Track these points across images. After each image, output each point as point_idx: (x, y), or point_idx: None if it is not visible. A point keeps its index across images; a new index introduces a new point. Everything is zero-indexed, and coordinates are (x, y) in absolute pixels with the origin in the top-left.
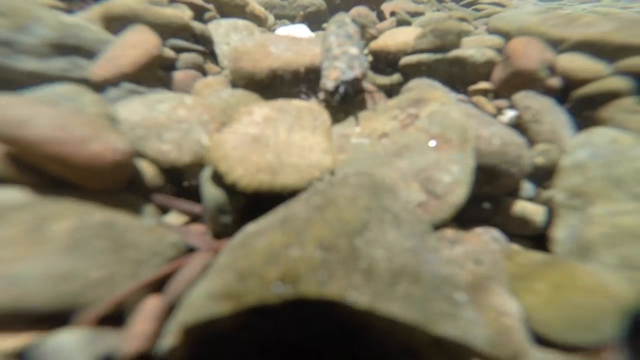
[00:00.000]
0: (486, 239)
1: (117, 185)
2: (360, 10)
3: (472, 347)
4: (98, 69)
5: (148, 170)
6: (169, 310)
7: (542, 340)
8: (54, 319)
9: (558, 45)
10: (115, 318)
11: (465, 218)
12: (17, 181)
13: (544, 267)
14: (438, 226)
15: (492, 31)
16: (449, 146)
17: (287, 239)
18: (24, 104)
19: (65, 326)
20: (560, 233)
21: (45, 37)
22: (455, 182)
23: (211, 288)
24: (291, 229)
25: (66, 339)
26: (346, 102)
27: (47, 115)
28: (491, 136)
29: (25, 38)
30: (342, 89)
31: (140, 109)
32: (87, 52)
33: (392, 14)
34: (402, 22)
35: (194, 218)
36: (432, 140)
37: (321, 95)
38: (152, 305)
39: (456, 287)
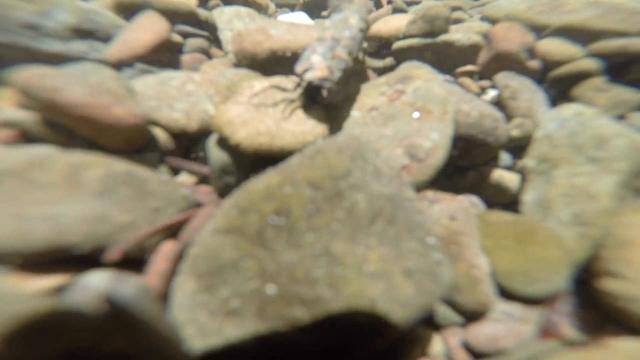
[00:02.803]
0: (464, 202)
1: (135, 146)
2: None
3: None
4: (113, 51)
5: (161, 136)
6: (182, 253)
7: (505, 293)
8: (87, 260)
9: (543, 30)
10: (137, 264)
11: (448, 187)
12: (52, 141)
13: (511, 225)
14: (420, 187)
15: (485, 19)
16: (431, 116)
17: (282, 180)
18: (59, 74)
19: (95, 267)
20: (528, 195)
21: (66, 21)
22: (435, 146)
23: (217, 225)
24: (285, 171)
25: (95, 278)
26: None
27: (80, 84)
28: (470, 110)
29: (49, 22)
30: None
31: (153, 84)
32: (103, 36)
33: (389, 2)
34: (398, 10)
35: (202, 180)
36: (415, 112)
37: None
38: (168, 248)
39: (428, 232)
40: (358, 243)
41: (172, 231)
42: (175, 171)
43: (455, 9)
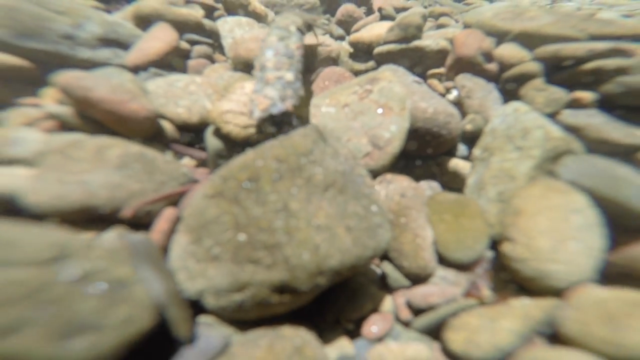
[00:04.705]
0: (423, 185)
1: (147, 134)
2: (348, 8)
3: None
4: (132, 57)
5: (167, 127)
6: (180, 217)
7: (443, 260)
8: (107, 221)
9: (505, 36)
10: (145, 227)
11: (412, 174)
12: (83, 130)
13: (452, 202)
14: (380, 170)
15: (465, 25)
16: (391, 112)
17: (256, 156)
18: (90, 76)
19: (113, 225)
20: (471, 179)
21: (95, 32)
22: (392, 137)
23: (205, 191)
24: (259, 150)
25: (112, 234)
26: (279, 130)
27: (105, 84)
28: (427, 107)
29: (81, 33)
30: (270, 120)
31: (163, 85)
32: (124, 44)
33: (380, 9)
34: (386, 17)
35: (201, 163)
36: (379, 108)
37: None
38: (169, 213)
39: (373, 201)
40: (311, 203)
41: (173, 200)
42: (180, 156)
43: (441, 15)
